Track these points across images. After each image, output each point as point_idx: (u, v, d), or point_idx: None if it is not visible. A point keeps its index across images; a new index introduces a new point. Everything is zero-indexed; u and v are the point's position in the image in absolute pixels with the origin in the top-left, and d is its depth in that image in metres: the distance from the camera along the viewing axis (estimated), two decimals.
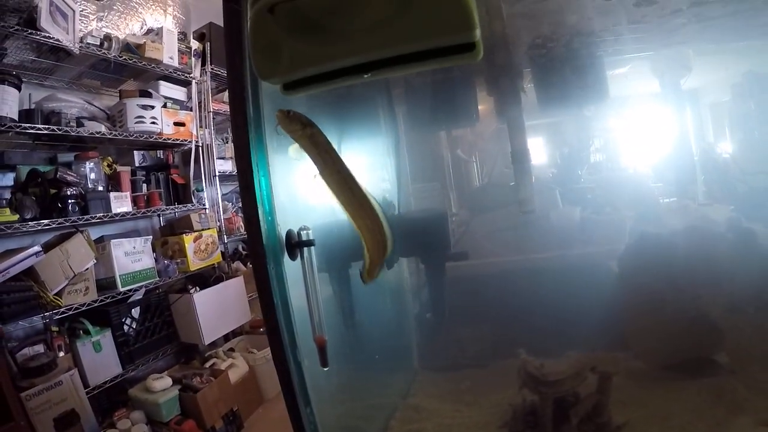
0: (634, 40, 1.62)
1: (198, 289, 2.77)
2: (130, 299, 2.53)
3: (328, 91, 1.35)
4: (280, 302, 0.96)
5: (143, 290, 2.59)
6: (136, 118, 2.63)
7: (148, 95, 2.76)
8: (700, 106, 1.95)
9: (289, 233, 1.01)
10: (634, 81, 1.81)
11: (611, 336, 1.52)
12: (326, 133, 0.98)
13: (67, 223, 2.25)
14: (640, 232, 1.62)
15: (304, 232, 1.00)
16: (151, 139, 2.77)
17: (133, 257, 2.53)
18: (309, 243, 1.00)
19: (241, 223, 3.28)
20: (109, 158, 2.65)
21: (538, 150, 2.17)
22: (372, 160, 1.53)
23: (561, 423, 1.29)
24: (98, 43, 2.49)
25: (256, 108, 0.97)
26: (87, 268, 2.32)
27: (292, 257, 1.00)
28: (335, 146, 0.99)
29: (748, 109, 1.79)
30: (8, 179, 2.28)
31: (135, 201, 2.66)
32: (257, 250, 0.94)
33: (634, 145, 2.10)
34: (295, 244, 1.00)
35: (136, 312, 2.56)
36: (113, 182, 2.60)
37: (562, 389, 1.29)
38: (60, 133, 2.30)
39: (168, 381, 2.41)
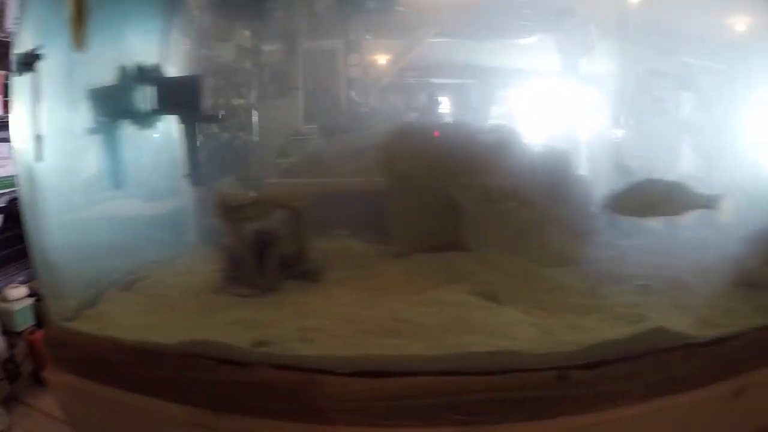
0: None
1: None
2: None
3: None
4: None
5: (6, 198, 2.45)
6: None
7: None
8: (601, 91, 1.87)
9: None
10: (539, 54, 1.77)
11: (377, 223, 1.58)
12: None
13: None
14: (404, 120, 1.71)
15: None
16: None
17: None
18: None
19: None
20: None
21: None
22: None
23: (265, 265, 1.35)
24: None
25: None
26: None
27: None
28: None
29: (644, 102, 1.83)
30: None
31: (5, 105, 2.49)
32: None
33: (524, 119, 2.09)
34: None
35: None
36: None
37: (246, 214, 1.33)
38: None
39: (23, 291, 2.30)
